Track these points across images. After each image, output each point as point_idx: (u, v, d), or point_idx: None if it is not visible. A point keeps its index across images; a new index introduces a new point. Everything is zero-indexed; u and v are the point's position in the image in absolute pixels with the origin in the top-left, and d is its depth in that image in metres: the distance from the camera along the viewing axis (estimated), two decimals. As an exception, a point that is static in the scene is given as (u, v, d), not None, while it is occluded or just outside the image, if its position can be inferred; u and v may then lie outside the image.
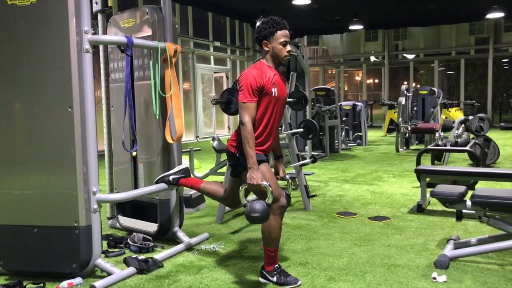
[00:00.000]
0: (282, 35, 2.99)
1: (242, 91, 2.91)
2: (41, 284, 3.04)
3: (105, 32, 4.11)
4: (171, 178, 3.59)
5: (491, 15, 13.59)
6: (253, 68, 2.99)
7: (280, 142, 5.17)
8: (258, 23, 3.06)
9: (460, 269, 3.21)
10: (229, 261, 3.49)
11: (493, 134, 10.11)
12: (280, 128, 5.98)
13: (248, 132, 2.86)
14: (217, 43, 15.91)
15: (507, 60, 21.56)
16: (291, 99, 5.28)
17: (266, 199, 2.88)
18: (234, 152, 3.03)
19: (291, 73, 6.00)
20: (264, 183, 2.86)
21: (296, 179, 5.26)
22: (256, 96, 2.90)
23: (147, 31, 3.80)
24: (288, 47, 3.02)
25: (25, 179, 3.17)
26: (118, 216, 4.26)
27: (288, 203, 3.05)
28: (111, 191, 4.32)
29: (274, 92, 2.96)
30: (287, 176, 3.22)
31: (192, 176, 5.35)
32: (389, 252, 3.62)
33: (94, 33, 3.17)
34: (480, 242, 3.44)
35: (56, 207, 3.11)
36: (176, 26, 3.95)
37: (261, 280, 3.07)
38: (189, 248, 3.80)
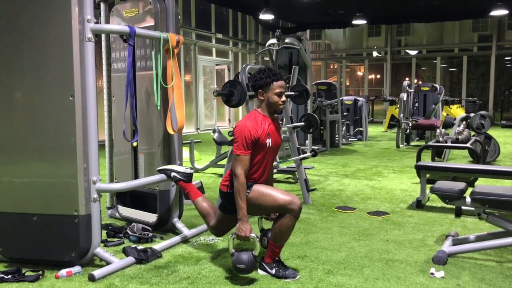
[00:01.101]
0: (278, 86, 3.05)
1: (237, 144, 2.97)
2: (40, 272, 3.05)
3: (107, 22, 4.10)
4: (172, 174, 3.60)
5: (495, 13, 13.52)
6: (248, 120, 3.03)
7: (282, 136, 5.19)
8: (255, 73, 3.11)
9: (458, 265, 3.22)
10: (228, 253, 3.49)
11: (494, 132, 10.11)
12: (281, 122, 5.98)
13: (240, 184, 2.92)
14: (219, 35, 15.86)
15: (509, 58, 21.48)
16: (292, 93, 5.27)
17: (253, 251, 2.95)
18: (227, 191, 3.11)
19: (293, 66, 5.99)
20: (253, 235, 2.93)
21: (296, 172, 5.26)
22: (250, 149, 2.97)
23: (150, 21, 3.79)
24: (283, 97, 3.08)
25: (26, 167, 3.18)
26: (118, 206, 4.26)
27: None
28: (111, 180, 4.33)
29: (269, 143, 3.04)
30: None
31: (192, 167, 5.35)
32: (388, 247, 3.63)
33: (97, 23, 3.16)
34: (479, 239, 3.45)
35: (56, 196, 3.12)
36: (179, 17, 3.94)
37: (260, 272, 3.08)
38: (188, 239, 3.81)
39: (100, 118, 3.43)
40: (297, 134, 5.33)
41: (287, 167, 6.52)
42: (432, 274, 3.05)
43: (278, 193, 2.99)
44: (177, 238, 3.74)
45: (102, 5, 4.08)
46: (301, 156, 5.10)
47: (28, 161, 3.17)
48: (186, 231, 3.84)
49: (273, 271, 3.02)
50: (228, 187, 3.11)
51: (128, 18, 3.96)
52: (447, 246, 3.40)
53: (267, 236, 3.13)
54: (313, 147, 8.74)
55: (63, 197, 3.10)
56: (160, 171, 3.63)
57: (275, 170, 4.90)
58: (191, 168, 3.71)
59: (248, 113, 3.17)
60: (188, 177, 3.62)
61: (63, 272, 3.02)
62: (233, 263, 2.95)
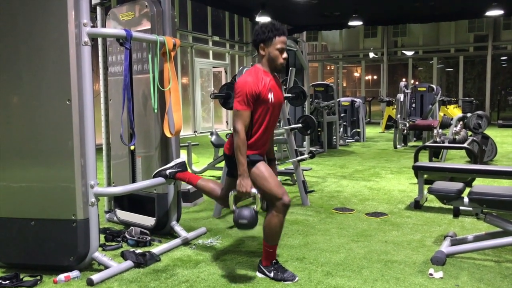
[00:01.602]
0: (280, 41, 2.97)
1: (238, 99, 2.91)
2: (38, 277, 3.04)
3: (104, 25, 4.10)
4: (167, 172, 3.59)
5: (490, 13, 13.58)
6: (249, 75, 2.97)
7: (279, 137, 5.19)
8: (257, 27, 3.03)
9: (457, 266, 3.22)
10: (226, 256, 3.49)
11: (491, 132, 10.13)
12: (278, 124, 5.99)
13: (240, 140, 2.87)
14: (216, 38, 15.88)
15: (505, 57, 21.54)
16: (290, 95, 5.27)
17: (255, 206, 2.91)
18: (230, 154, 3.05)
19: (290, 68, 6.00)
20: (254, 190, 2.89)
21: (294, 174, 5.26)
22: (251, 105, 2.90)
23: (146, 25, 3.79)
24: (285, 54, 3.01)
25: (23, 172, 3.17)
26: (116, 210, 4.26)
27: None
28: (109, 184, 4.32)
29: (271, 98, 2.97)
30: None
31: (189, 171, 5.34)
32: (386, 248, 3.63)
33: (93, 26, 3.15)
34: (477, 239, 3.45)
35: (53, 200, 3.11)
36: (175, 20, 3.93)
37: (259, 275, 3.07)
38: (187, 242, 3.80)
39: (97, 121, 3.42)
40: (294, 136, 5.33)
41: (285, 169, 6.52)
42: (431, 274, 3.05)
43: (274, 183, 2.94)
44: (175, 242, 3.73)
45: (98, 9, 4.08)
46: (299, 158, 5.10)
47: (25, 166, 3.16)
48: (185, 234, 3.84)
49: (272, 274, 3.02)
50: (230, 150, 3.03)
51: (124, 22, 3.96)
52: (445, 247, 3.40)
53: (263, 235, 3.09)
54: (310, 148, 8.74)
55: (60, 202, 3.09)
56: (155, 176, 3.62)
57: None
58: (180, 158, 3.70)
59: (249, 69, 3.08)
60: (182, 166, 3.60)
61: (62, 277, 3.01)
62: (235, 219, 2.90)
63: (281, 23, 3.01)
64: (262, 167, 2.97)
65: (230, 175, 3.21)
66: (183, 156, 4.31)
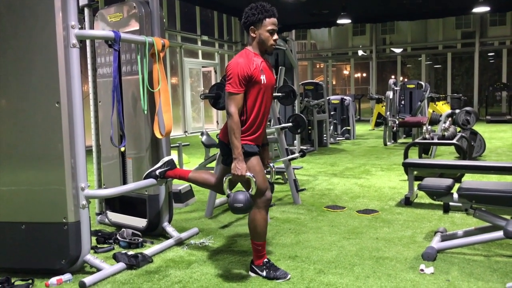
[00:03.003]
0: (270, 22, 2.95)
1: (230, 81, 2.88)
2: (30, 281, 3.02)
3: (91, 27, 4.08)
4: (157, 172, 3.57)
5: (477, 9, 13.70)
6: (240, 57, 2.96)
7: (269, 136, 5.20)
8: (246, 9, 3.00)
9: (447, 261, 3.26)
10: (219, 256, 3.50)
11: (479, 128, 10.22)
12: (269, 123, 5.99)
13: (234, 123, 2.85)
14: (205, 37, 15.85)
15: (492, 54, 21.75)
16: (279, 94, 5.28)
17: (250, 190, 2.90)
18: (224, 141, 3.02)
19: (280, 67, 6.00)
20: (248, 174, 2.87)
21: (285, 173, 5.27)
22: (244, 87, 2.88)
23: (135, 26, 3.77)
24: (275, 36, 2.99)
25: (13, 175, 3.15)
26: (107, 211, 4.24)
27: (272, 191, 3.04)
28: (100, 186, 4.30)
29: (263, 79, 2.95)
30: (272, 164, 3.20)
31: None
32: (378, 244, 3.65)
33: (81, 28, 3.14)
34: (467, 234, 3.49)
35: (44, 203, 3.09)
36: (164, 20, 3.92)
37: (251, 274, 3.08)
38: (179, 243, 3.80)
39: (87, 123, 3.41)
40: (285, 135, 5.34)
41: (276, 167, 6.53)
42: (422, 270, 3.08)
43: (262, 179, 2.95)
44: (167, 243, 3.73)
45: (86, 10, 4.05)
46: (290, 156, 5.12)
47: (15, 169, 3.14)
48: (177, 235, 3.83)
49: (264, 273, 3.03)
50: (225, 137, 3.01)
51: (112, 23, 3.94)
52: (436, 242, 3.44)
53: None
54: (301, 147, 8.77)
55: (51, 205, 3.08)
56: (146, 177, 3.61)
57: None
58: (168, 156, 3.69)
59: (240, 52, 3.06)
60: (170, 164, 3.59)
61: (54, 280, 2.99)
62: (230, 203, 2.89)
63: (271, 7, 2.99)
64: (254, 161, 2.97)
65: (224, 162, 3.18)
66: (173, 155, 4.30)
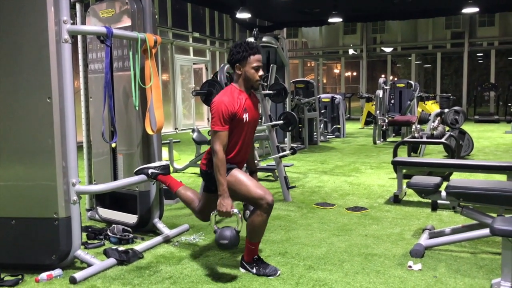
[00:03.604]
0: (255, 59, 3.01)
1: (214, 119, 2.94)
2: (20, 276, 3.02)
3: (83, 22, 4.06)
4: (150, 171, 3.59)
5: (466, 10, 13.81)
6: (225, 95, 3.01)
7: (261, 134, 5.22)
8: (231, 47, 3.08)
9: (435, 258, 3.31)
10: (209, 252, 3.52)
11: (467, 127, 10.34)
12: (260, 120, 6.02)
13: (219, 160, 2.90)
14: (196, 34, 15.81)
15: (481, 54, 21.95)
16: (271, 92, 5.31)
17: (236, 227, 2.95)
18: (207, 170, 3.08)
19: (271, 65, 6.03)
20: (234, 210, 2.92)
21: (276, 170, 5.30)
22: (228, 124, 2.94)
23: (127, 22, 3.77)
24: (261, 72, 3.05)
25: (3, 170, 3.13)
26: (97, 207, 4.23)
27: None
28: (90, 182, 4.30)
29: (246, 118, 3.01)
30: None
31: (171, 167, 5.34)
32: (367, 241, 3.69)
33: (73, 23, 3.13)
34: (454, 231, 3.54)
35: (35, 199, 3.09)
36: (156, 16, 3.92)
37: (241, 270, 3.11)
38: (169, 239, 3.81)
39: (78, 119, 3.40)
40: (276, 132, 5.37)
41: (267, 165, 6.56)
42: (410, 267, 3.12)
43: (253, 185, 2.97)
44: (158, 239, 3.74)
45: (77, 6, 4.04)
46: (281, 154, 5.15)
47: (5, 164, 3.13)
48: (167, 231, 3.84)
49: (254, 270, 3.05)
50: (207, 166, 3.07)
51: (104, 19, 3.93)
52: (424, 240, 3.49)
53: (249, 209, 3.13)
54: (292, 145, 8.80)
55: (42, 200, 3.07)
56: (137, 172, 3.62)
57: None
58: (166, 161, 3.71)
59: (225, 88, 3.10)
60: (165, 169, 3.61)
61: (44, 275, 2.99)
62: (216, 240, 2.94)
63: (255, 44, 3.07)
64: (235, 173, 3.01)
65: (206, 190, 3.23)
66: (165, 154, 4.32)
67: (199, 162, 6.99)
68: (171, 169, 3.80)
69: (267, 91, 5.24)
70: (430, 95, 15.81)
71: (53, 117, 3.00)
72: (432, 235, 3.59)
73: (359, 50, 20.65)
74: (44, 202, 3.07)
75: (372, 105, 13.78)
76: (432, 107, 13.77)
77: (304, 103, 9.75)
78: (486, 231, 3.21)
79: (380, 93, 10.93)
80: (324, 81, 26.14)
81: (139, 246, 3.53)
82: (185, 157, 8.45)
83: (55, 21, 2.97)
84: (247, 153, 3.18)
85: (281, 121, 5.71)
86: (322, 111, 11.79)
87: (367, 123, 14.57)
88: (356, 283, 2.91)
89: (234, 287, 2.89)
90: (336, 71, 33.27)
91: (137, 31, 3.60)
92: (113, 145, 3.98)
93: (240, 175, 3.00)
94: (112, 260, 3.23)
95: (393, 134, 12.03)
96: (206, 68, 16.31)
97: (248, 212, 3.14)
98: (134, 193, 3.90)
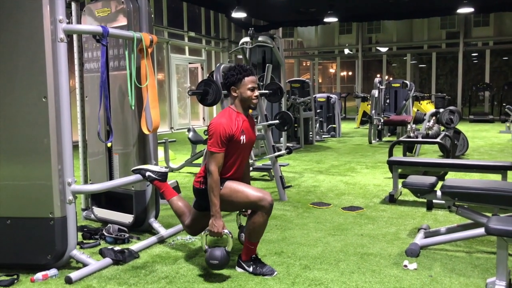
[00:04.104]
0: (250, 81, 3.07)
1: (211, 141, 2.97)
2: (15, 276, 3.01)
3: (79, 21, 4.05)
4: (147, 174, 3.59)
5: (461, 10, 13.87)
6: (223, 117, 3.04)
7: (257, 133, 5.22)
8: (225, 70, 3.14)
9: (430, 257, 3.32)
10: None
11: (462, 127, 10.39)
12: (256, 120, 6.02)
13: (214, 181, 2.94)
14: (192, 34, 15.79)
15: (476, 54, 22.06)
16: (267, 91, 5.31)
17: (226, 247, 2.97)
18: (200, 187, 3.11)
19: (267, 64, 6.03)
20: (226, 231, 2.95)
21: (272, 170, 5.30)
22: (225, 146, 2.98)
23: (123, 21, 3.76)
24: (256, 92, 3.09)
25: (-2, 170, 3.12)
26: (93, 207, 4.22)
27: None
28: (86, 182, 4.29)
29: (243, 139, 3.05)
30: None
31: (167, 166, 5.32)
32: (362, 241, 3.70)
33: (68, 23, 3.12)
34: (449, 231, 3.56)
35: (30, 198, 3.07)
36: (152, 15, 3.92)
37: (238, 269, 3.11)
38: (165, 239, 3.81)
39: (73, 118, 3.39)
40: (272, 132, 5.37)
41: (262, 164, 6.56)
42: (406, 266, 3.14)
43: (249, 190, 3.01)
44: (154, 238, 3.73)
45: (73, 4, 4.03)
46: (277, 153, 5.15)
47: (0, 164, 3.11)
48: (163, 231, 3.84)
49: (251, 269, 3.06)
50: (201, 183, 3.11)
51: (100, 18, 3.92)
52: (419, 239, 3.50)
53: (244, 232, 3.16)
54: (287, 144, 8.81)
55: (37, 200, 3.06)
56: (135, 171, 3.62)
57: (251, 168, 4.95)
58: (166, 167, 3.71)
59: (223, 110, 3.16)
60: (163, 176, 3.61)
61: (39, 275, 2.98)
62: (206, 259, 2.97)
63: (248, 66, 3.13)
64: (229, 184, 3.03)
65: (197, 207, 3.25)
66: (160, 154, 4.31)
67: (194, 162, 7.00)
68: (167, 168, 3.78)
69: (263, 91, 5.24)
70: (425, 94, 15.87)
71: (48, 116, 2.99)
72: (428, 235, 3.60)
73: (355, 50, 20.70)
74: (40, 201, 3.06)
75: (367, 105, 13.81)
76: (427, 107, 13.82)
77: (300, 103, 9.76)
78: (481, 230, 3.23)
79: (375, 92, 10.96)
80: (320, 81, 26.18)
81: (135, 245, 3.53)
82: (180, 157, 8.44)
83: (51, 20, 2.96)
84: (243, 170, 3.22)
85: (277, 121, 5.71)
86: (318, 110, 11.81)
87: (362, 122, 14.60)
88: (352, 282, 2.92)
89: (230, 287, 2.89)
90: (332, 70, 33.33)
91: (133, 30, 3.60)
92: (109, 144, 3.97)
93: (234, 185, 3.03)
94: (107, 260, 3.23)
95: (389, 134, 12.06)
96: (202, 68, 16.29)
97: (243, 235, 3.18)
98: (130, 193, 3.90)
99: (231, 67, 3.13)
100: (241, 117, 3.09)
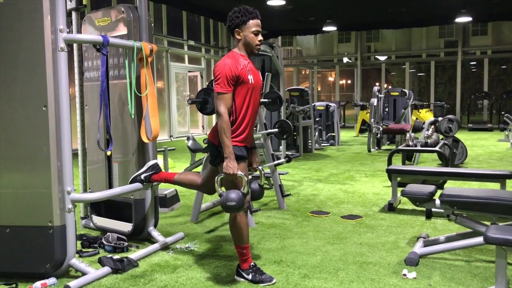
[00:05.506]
0: (254, 24, 3.02)
1: (218, 82, 2.93)
2: (14, 285, 3.00)
3: (79, 31, 4.07)
4: (142, 176, 3.59)
5: (459, 19, 13.96)
6: (227, 58, 3.01)
7: (256, 142, 5.23)
8: (230, 12, 3.06)
9: (429, 266, 3.32)
10: (205, 260, 3.51)
11: (461, 135, 10.41)
12: (255, 128, 6.03)
13: (224, 122, 2.89)
14: (191, 42, 15.85)
15: (474, 63, 22.14)
16: (266, 100, 5.33)
17: (242, 188, 2.94)
18: (215, 143, 3.04)
19: (266, 73, 6.05)
20: (240, 173, 2.91)
21: (271, 178, 5.30)
22: (232, 86, 2.93)
23: (123, 30, 3.78)
24: (260, 37, 3.06)
25: (-2, 178, 3.12)
26: (92, 216, 4.22)
27: (262, 194, 3.17)
28: (85, 190, 4.28)
29: (251, 79, 3.00)
30: (260, 167, 3.26)
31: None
32: (361, 250, 3.70)
33: (69, 32, 3.14)
34: (448, 239, 3.56)
35: (29, 207, 3.07)
36: (152, 25, 3.95)
37: (237, 278, 3.10)
38: (164, 247, 3.80)
39: (73, 127, 3.40)
40: (271, 140, 5.38)
41: (261, 173, 6.56)
42: (405, 275, 3.13)
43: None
44: (153, 247, 3.73)
45: (73, 14, 4.04)
46: (276, 162, 5.16)
47: (0, 172, 3.12)
48: (162, 240, 3.84)
49: (250, 277, 3.05)
50: (214, 138, 3.04)
51: (100, 27, 3.95)
52: (418, 248, 3.50)
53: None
54: (287, 152, 8.82)
55: (37, 208, 3.06)
56: (132, 181, 3.62)
57: (250, 176, 4.95)
58: (152, 161, 3.71)
59: (227, 54, 3.11)
60: (155, 167, 3.61)
61: (38, 284, 2.97)
62: (223, 203, 2.91)
63: (253, 9, 3.04)
64: (241, 166, 3.00)
65: (213, 163, 3.19)
66: (159, 160, 4.31)
67: (194, 170, 6.99)
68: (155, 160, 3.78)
69: (262, 99, 5.26)
70: (424, 103, 15.92)
71: (48, 125, 3.00)
72: (427, 243, 3.60)
73: (354, 59, 20.78)
74: (39, 210, 3.06)
75: (366, 113, 13.84)
76: (426, 115, 13.86)
77: (299, 111, 9.78)
78: (480, 239, 3.23)
79: (374, 101, 11.00)
80: (319, 89, 26.26)
81: (134, 254, 3.52)
82: (180, 165, 8.44)
83: (51, 30, 2.98)
84: (253, 122, 3.13)
85: (276, 129, 5.72)
86: (317, 119, 11.83)
87: (361, 131, 14.62)
88: (351, 291, 2.91)
89: (229, 296, 2.88)
90: (331, 79, 33.41)
91: (133, 39, 3.62)
92: (109, 153, 3.98)
93: (241, 170, 2.97)
94: (106, 269, 3.22)
95: (388, 142, 12.08)
96: (201, 76, 16.34)
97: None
98: (129, 201, 3.90)
99: (235, 9, 3.03)
100: (245, 59, 3.03)
